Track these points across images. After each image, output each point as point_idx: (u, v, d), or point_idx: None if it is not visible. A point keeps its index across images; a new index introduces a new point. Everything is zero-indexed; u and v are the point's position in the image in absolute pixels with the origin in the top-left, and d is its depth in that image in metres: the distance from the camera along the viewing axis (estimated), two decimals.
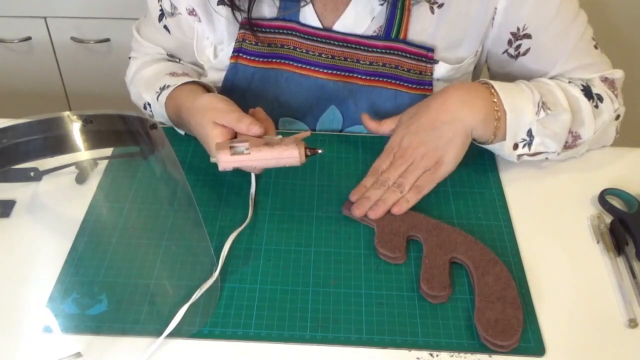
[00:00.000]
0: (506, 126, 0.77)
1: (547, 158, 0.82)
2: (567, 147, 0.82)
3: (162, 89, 0.86)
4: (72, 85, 1.64)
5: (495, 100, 0.77)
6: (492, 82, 0.79)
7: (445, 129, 0.76)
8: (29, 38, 1.53)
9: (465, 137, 0.77)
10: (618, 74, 0.88)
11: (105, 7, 1.47)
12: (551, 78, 0.86)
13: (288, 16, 0.87)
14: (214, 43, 0.91)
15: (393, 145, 0.80)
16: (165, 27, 0.93)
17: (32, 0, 1.46)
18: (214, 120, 0.74)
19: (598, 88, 0.85)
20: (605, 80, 0.87)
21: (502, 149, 0.80)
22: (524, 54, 0.86)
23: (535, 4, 0.81)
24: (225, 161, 0.69)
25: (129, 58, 1.01)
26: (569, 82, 0.84)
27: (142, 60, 0.96)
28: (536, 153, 0.80)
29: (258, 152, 0.69)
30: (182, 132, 0.89)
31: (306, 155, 0.70)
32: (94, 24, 1.51)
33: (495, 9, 0.82)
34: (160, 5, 0.91)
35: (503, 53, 0.87)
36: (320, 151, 0.72)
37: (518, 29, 0.83)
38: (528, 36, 0.84)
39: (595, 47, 0.87)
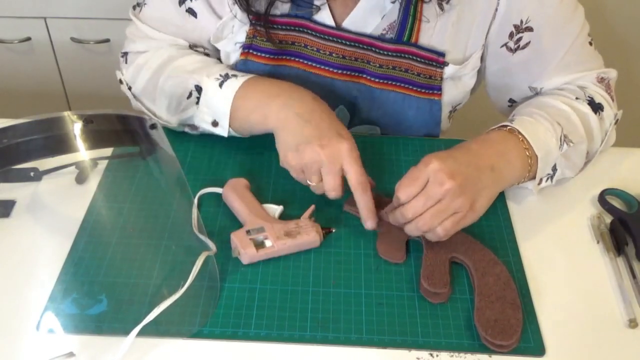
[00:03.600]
0: (537, 168, 0.76)
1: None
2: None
3: (225, 76, 0.81)
4: (72, 85, 1.64)
5: (525, 146, 0.75)
6: (517, 127, 0.76)
7: (483, 175, 0.71)
8: (28, 38, 1.54)
9: (498, 190, 0.74)
10: (613, 74, 0.88)
11: (105, 8, 1.47)
12: (554, 89, 0.87)
13: (300, 13, 0.86)
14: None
15: (423, 176, 0.68)
16: (189, 10, 0.87)
17: (32, 1, 1.46)
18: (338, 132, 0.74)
19: (597, 96, 0.84)
20: (601, 80, 0.87)
21: (526, 185, 0.79)
22: (523, 47, 0.85)
23: None
24: (252, 257, 0.71)
25: (137, 52, 0.93)
26: (576, 98, 0.83)
27: (168, 53, 0.88)
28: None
29: (281, 244, 0.71)
30: (225, 133, 0.83)
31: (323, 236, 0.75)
32: (94, 25, 1.51)
33: (498, 1, 0.82)
34: None
35: (502, 46, 0.86)
36: (333, 230, 0.75)
37: (521, 21, 0.83)
38: (530, 29, 0.83)
39: (590, 43, 0.87)
